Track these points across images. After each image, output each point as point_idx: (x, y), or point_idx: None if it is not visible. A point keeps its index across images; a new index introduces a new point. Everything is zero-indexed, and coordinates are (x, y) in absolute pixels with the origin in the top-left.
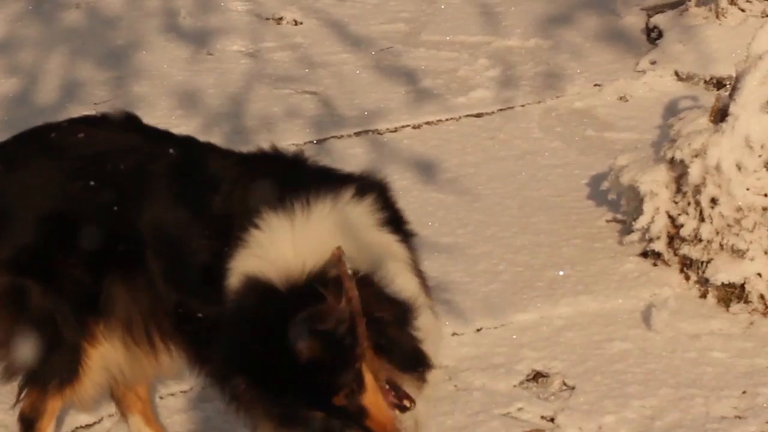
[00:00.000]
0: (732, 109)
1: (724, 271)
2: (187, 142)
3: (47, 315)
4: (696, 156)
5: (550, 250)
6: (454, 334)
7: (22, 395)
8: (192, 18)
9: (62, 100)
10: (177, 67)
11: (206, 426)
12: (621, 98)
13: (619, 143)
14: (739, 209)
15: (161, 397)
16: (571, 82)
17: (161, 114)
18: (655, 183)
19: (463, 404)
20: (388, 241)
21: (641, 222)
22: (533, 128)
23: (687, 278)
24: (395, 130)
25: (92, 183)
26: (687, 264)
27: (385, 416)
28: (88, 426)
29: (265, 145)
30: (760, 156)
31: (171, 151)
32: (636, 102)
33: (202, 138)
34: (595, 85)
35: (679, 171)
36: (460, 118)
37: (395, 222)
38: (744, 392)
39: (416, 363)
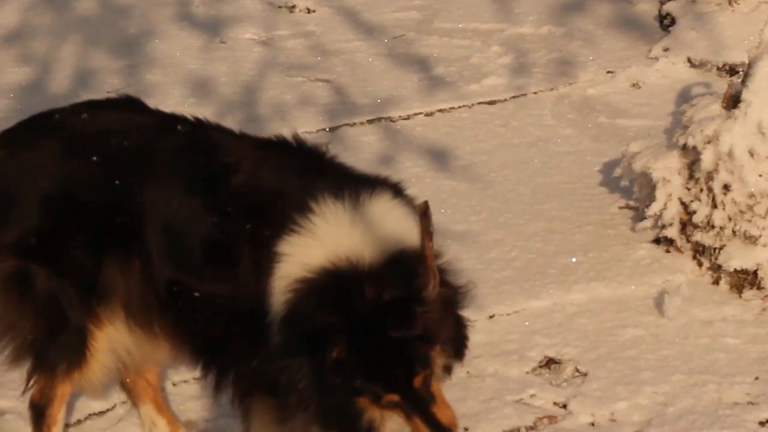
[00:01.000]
0: (744, 95)
1: (736, 258)
2: (197, 122)
3: (52, 298)
4: (708, 142)
5: (562, 236)
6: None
7: (31, 381)
8: (205, 6)
9: (75, 89)
10: (190, 55)
11: (219, 413)
12: (634, 85)
13: (632, 130)
14: (751, 195)
15: (174, 384)
16: (583, 69)
17: (174, 102)
18: (668, 169)
19: (475, 390)
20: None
21: (654, 208)
22: (546, 115)
23: (700, 265)
24: (408, 117)
25: (94, 159)
26: (699, 250)
27: (448, 405)
28: (101, 413)
29: (280, 132)
30: None
31: (179, 128)
32: (648, 89)
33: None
34: (608, 72)
35: (692, 157)
36: (472, 105)
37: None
38: (757, 378)
39: (458, 347)
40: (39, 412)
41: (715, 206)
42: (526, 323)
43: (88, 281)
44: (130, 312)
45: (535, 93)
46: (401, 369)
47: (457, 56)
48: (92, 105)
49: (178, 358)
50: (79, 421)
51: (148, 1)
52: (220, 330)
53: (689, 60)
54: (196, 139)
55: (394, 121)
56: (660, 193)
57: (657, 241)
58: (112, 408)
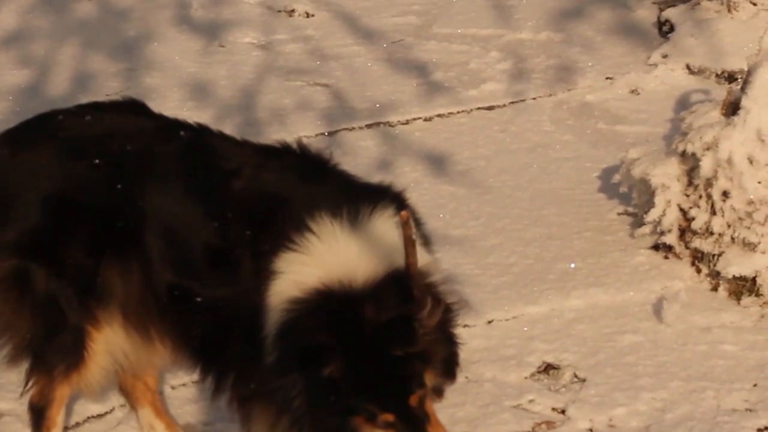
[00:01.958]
0: (744, 102)
1: (735, 264)
2: (199, 127)
3: (51, 299)
4: (707, 149)
5: (561, 242)
6: (465, 326)
7: (30, 383)
8: (204, 10)
9: (74, 92)
10: (189, 58)
11: (217, 416)
12: (632, 91)
13: (631, 136)
14: (750, 202)
15: (173, 387)
16: (582, 75)
17: (173, 105)
18: (667, 176)
19: (473, 396)
20: (428, 259)
21: (652, 215)
22: (544, 121)
23: (698, 271)
24: (407, 122)
25: (96, 162)
26: (698, 257)
27: (442, 425)
28: (100, 416)
29: (278, 137)
30: None
31: (182, 133)
32: (647, 95)
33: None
34: (607, 78)
35: (691, 164)
36: (471, 110)
37: (425, 241)
38: (755, 385)
39: (450, 366)
40: (38, 413)
41: (714, 213)
42: (525, 329)
43: (86, 283)
44: (128, 315)
45: (533, 99)
46: (397, 388)
47: (455, 61)
48: (95, 107)
49: (176, 362)
50: (77, 424)
51: (147, 4)
52: (220, 334)
53: (688, 67)
54: (198, 145)
55: (392, 126)
56: (659, 200)
57: (656, 247)
58: (111, 411)
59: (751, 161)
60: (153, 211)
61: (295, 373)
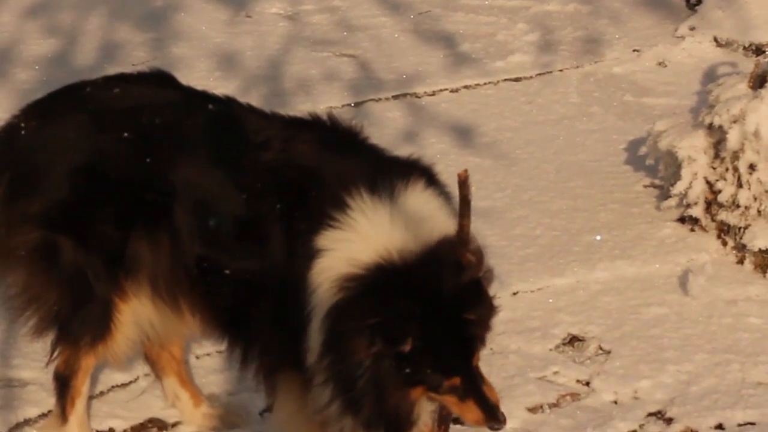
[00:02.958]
0: None
1: (761, 237)
2: (228, 100)
3: (79, 270)
4: (734, 122)
5: (587, 214)
6: None
7: (56, 353)
8: None
9: (101, 61)
10: (216, 29)
11: (241, 386)
12: (659, 64)
13: (658, 109)
14: None
15: (197, 357)
16: (609, 47)
17: (200, 76)
18: (693, 149)
19: (498, 367)
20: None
21: (679, 187)
22: (571, 93)
23: (724, 244)
24: (433, 93)
25: (125, 135)
26: (724, 230)
27: (490, 383)
28: (124, 385)
29: (304, 108)
30: None
31: (210, 106)
32: (674, 68)
33: (240, 100)
34: (634, 50)
35: (718, 137)
36: (498, 82)
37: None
38: None
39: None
40: (63, 383)
41: (740, 186)
42: (550, 300)
43: (115, 254)
44: (156, 286)
45: (560, 71)
46: (464, 351)
47: (482, 33)
48: (124, 79)
49: (204, 333)
50: (102, 393)
51: None
52: (248, 306)
53: (715, 39)
54: (227, 118)
55: (419, 97)
56: (685, 172)
57: (682, 220)
58: (135, 380)
59: None
60: (182, 184)
61: (364, 351)
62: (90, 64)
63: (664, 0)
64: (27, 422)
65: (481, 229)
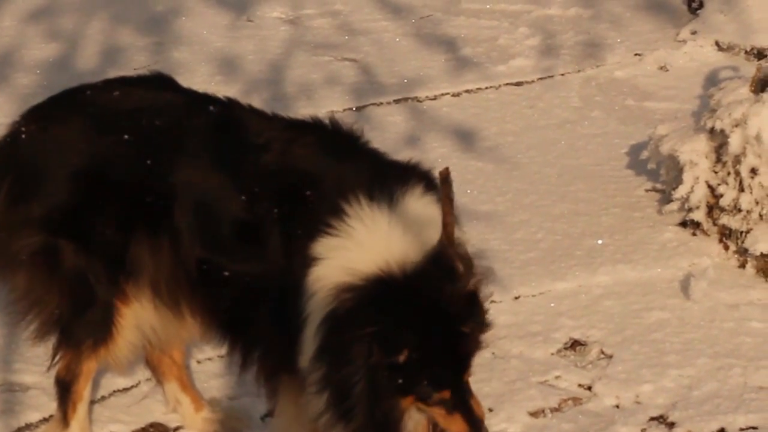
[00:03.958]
0: None
1: (763, 242)
2: (228, 102)
3: (80, 274)
4: (736, 126)
5: (588, 218)
6: (491, 301)
7: (57, 357)
8: None
9: (102, 66)
10: (217, 33)
11: (243, 391)
12: (661, 68)
13: (659, 113)
14: None
15: (198, 362)
16: (611, 51)
17: (201, 80)
18: (695, 152)
19: (500, 372)
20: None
21: (680, 191)
22: (573, 97)
23: (726, 248)
24: (435, 98)
25: (126, 137)
26: (726, 234)
27: (478, 400)
28: (126, 390)
29: (306, 112)
30: None
31: (211, 108)
32: (676, 72)
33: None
34: (636, 54)
35: (719, 141)
36: (499, 86)
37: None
38: None
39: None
40: (65, 387)
41: (742, 190)
42: (552, 305)
43: (115, 258)
44: (157, 290)
45: (562, 75)
46: (456, 364)
47: (484, 37)
48: (124, 82)
49: (204, 337)
50: (103, 398)
51: None
52: (247, 309)
53: (717, 43)
54: (227, 120)
55: (420, 102)
56: (687, 176)
57: (683, 224)
58: (137, 385)
59: None
60: (182, 187)
61: (361, 360)
62: (91, 68)
63: (666, 4)
64: (28, 427)
65: (482, 233)
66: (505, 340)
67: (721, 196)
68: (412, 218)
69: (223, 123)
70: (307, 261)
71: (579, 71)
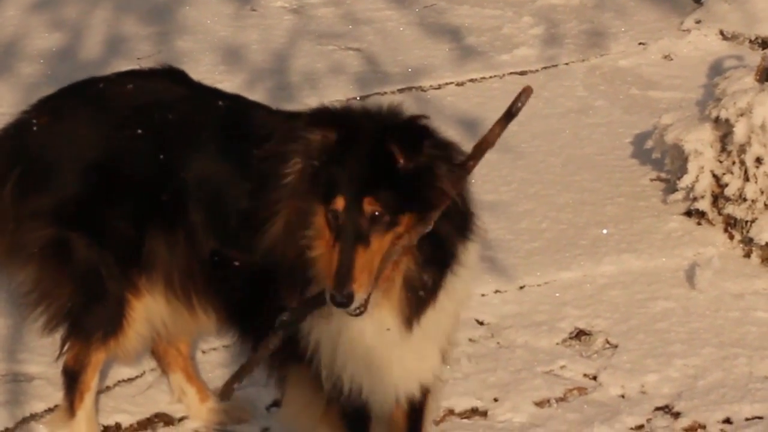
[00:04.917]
0: None
1: None
2: (235, 97)
3: (92, 267)
4: (741, 115)
5: (593, 208)
6: (497, 291)
7: (65, 348)
8: None
9: (106, 55)
10: (221, 22)
11: (248, 381)
12: (665, 57)
13: (664, 102)
14: None
15: (203, 352)
16: (615, 40)
17: (205, 69)
18: (700, 142)
19: (505, 361)
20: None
21: (685, 181)
22: (577, 86)
23: (731, 237)
24: (439, 87)
25: (139, 132)
26: (731, 223)
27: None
28: (131, 380)
29: (310, 102)
30: None
31: (220, 103)
32: (681, 61)
33: (246, 94)
34: (640, 43)
35: (724, 130)
36: (503, 75)
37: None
38: None
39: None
40: (72, 378)
41: (747, 179)
42: (557, 294)
43: (128, 252)
44: (170, 283)
45: (566, 64)
46: (364, 183)
47: (488, 26)
48: (136, 75)
49: (215, 329)
50: (108, 388)
51: None
52: (258, 298)
53: (721, 32)
54: (235, 114)
55: (425, 91)
56: (692, 166)
57: (688, 213)
58: (142, 375)
59: None
60: (194, 181)
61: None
62: (95, 58)
63: None
64: (34, 417)
65: (487, 223)
66: (510, 329)
67: (726, 185)
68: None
69: (231, 117)
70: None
71: (583, 60)
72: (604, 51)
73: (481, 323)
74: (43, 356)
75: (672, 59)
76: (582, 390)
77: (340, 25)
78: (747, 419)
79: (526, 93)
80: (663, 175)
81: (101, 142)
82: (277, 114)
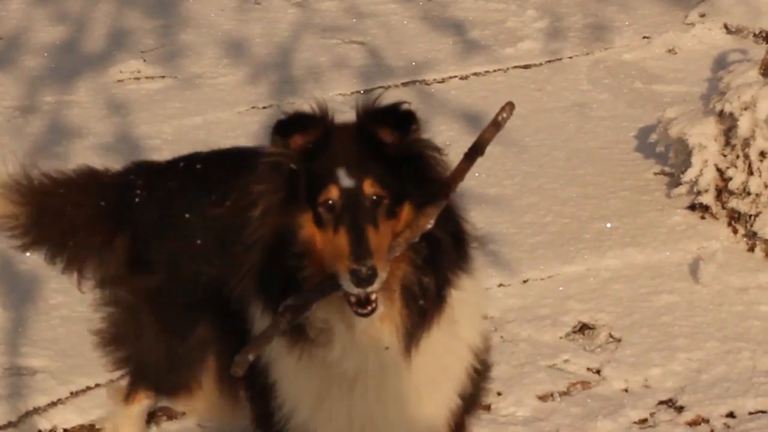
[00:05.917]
0: None
1: None
2: None
3: (170, 339)
4: (745, 109)
5: (597, 202)
6: (500, 285)
7: (133, 392)
8: None
9: (109, 48)
10: (224, 15)
11: None
12: (670, 51)
13: (668, 96)
14: None
15: None
16: (619, 34)
17: (208, 63)
18: (704, 136)
19: (509, 355)
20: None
21: (689, 175)
22: (581, 80)
23: (735, 231)
24: (443, 81)
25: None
26: (735, 217)
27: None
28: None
29: (313, 95)
30: None
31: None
32: (685, 54)
33: (249, 88)
34: (644, 37)
35: (728, 124)
36: (507, 69)
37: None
38: None
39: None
40: (122, 410)
41: (751, 173)
42: (560, 288)
43: (197, 338)
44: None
45: (570, 58)
46: (361, 168)
47: (492, 20)
48: (238, 154)
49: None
50: (111, 381)
51: None
52: None
53: (726, 26)
54: None
55: (428, 84)
56: (696, 160)
57: (692, 207)
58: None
59: None
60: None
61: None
62: (99, 51)
63: None
64: (36, 410)
65: (490, 217)
66: (514, 323)
67: (730, 179)
68: None
69: None
70: None
71: (587, 54)
72: (608, 45)
73: (484, 317)
74: (45, 350)
75: (676, 53)
76: (585, 384)
77: (343, 19)
78: (750, 413)
79: (509, 107)
80: (667, 168)
81: (192, 228)
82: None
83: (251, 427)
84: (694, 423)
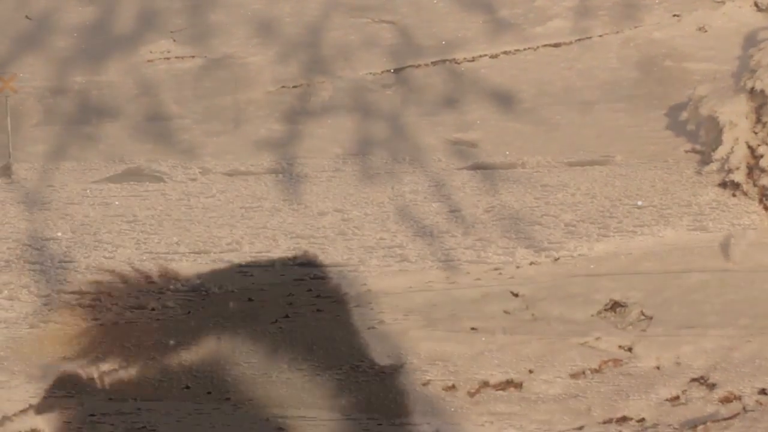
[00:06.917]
0: None
1: None
2: None
3: None
4: None
5: (627, 180)
6: (531, 263)
7: None
8: None
9: (138, 29)
10: None
11: None
12: (700, 29)
13: (698, 74)
14: None
15: None
16: (649, 12)
17: (237, 43)
18: (735, 113)
19: (540, 333)
20: None
21: (720, 152)
22: (611, 58)
23: (766, 209)
24: (473, 59)
25: None
26: (766, 195)
27: None
28: None
29: (344, 75)
30: None
31: None
32: (715, 32)
33: (279, 68)
34: (674, 15)
35: (759, 101)
36: (537, 47)
37: None
38: None
39: None
40: None
41: None
42: (592, 266)
43: None
44: None
45: (600, 36)
46: None
47: None
48: None
49: None
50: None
51: None
52: None
53: (756, 4)
54: None
55: (458, 63)
56: (727, 137)
57: (723, 185)
58: None
59: None
60: None
61: None
62: (128, 31)
63: None
64: None
65: (521, 196)
66: (545, 301)
67: (762, 156)
68: None
69: None
70: None
71: (617, 32)
72: (638, 23)
73: (516, 295)
74: None
75: (706, 31)
76: (617, 362)
77: None
78: None
79: None
80: (698, 146)
81: None
82: None
83: None
84: (726, 400)
